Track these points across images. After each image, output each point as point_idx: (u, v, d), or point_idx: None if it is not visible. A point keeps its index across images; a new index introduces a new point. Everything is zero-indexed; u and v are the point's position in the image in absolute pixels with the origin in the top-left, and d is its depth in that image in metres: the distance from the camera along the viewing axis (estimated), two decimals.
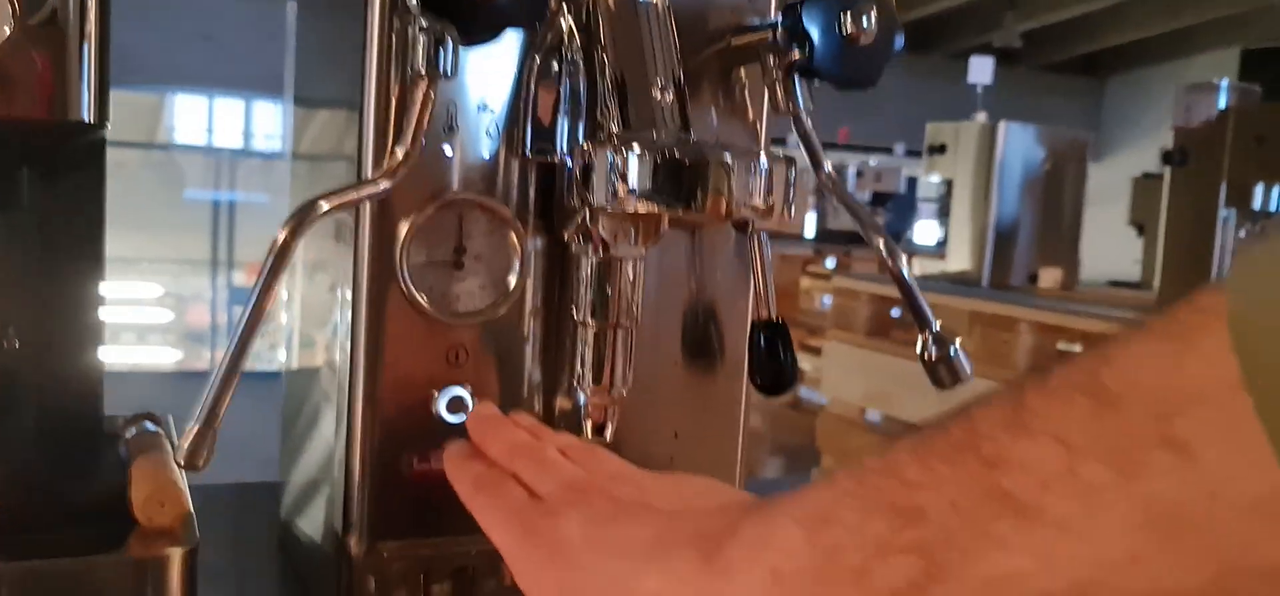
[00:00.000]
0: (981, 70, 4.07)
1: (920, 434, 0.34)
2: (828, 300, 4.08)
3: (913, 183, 6.90)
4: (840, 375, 3.47)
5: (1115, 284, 3.85)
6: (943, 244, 3.89)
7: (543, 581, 0.43)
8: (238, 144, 6.86)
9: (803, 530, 0.35)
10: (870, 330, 3.39)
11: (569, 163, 0.52)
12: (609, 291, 0.53)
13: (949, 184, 3.63)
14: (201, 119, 6.75)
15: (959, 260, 3.55)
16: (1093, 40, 7.90)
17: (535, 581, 0.43)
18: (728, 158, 0.47)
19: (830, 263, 5.46)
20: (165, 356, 6.65)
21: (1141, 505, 0.27)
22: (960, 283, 3.41)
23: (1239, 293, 0.27)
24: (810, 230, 6.66)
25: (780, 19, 0.57)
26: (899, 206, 6.65)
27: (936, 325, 0.59)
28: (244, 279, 6.78)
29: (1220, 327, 0.26)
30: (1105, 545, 0.28)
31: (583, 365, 0.54)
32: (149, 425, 0.61)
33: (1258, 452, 0.25)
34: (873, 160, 7.34)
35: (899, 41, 0.56)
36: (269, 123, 6.79)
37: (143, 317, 6.60)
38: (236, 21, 5.85)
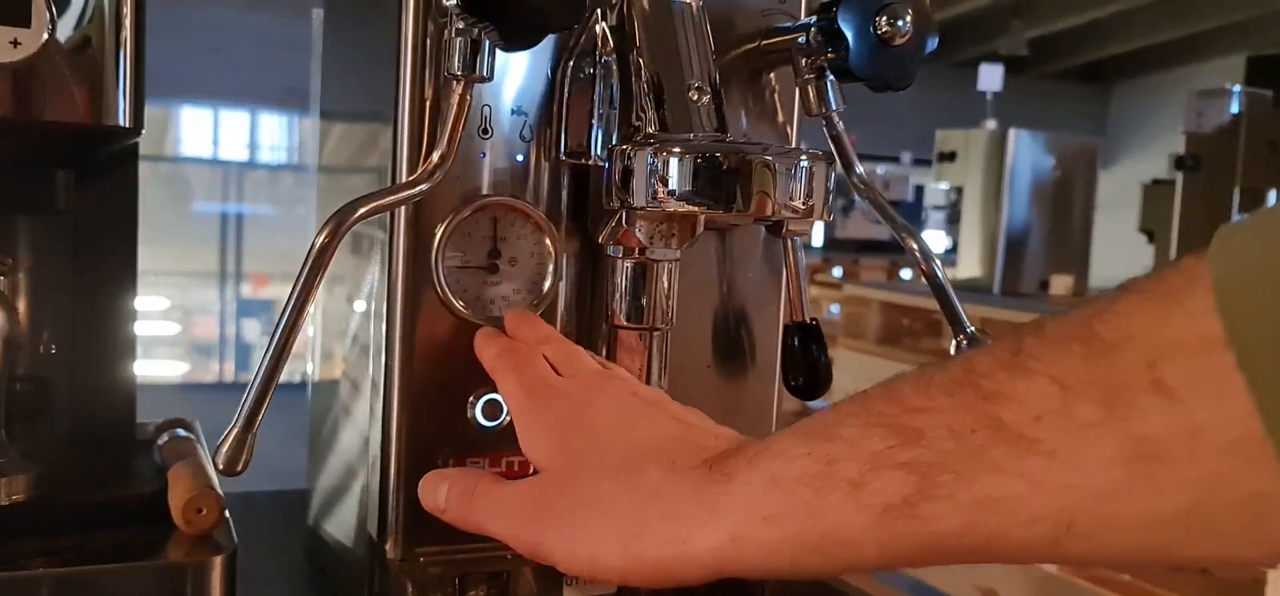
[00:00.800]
0: (991, 78, 4.08)
1: (921, 369, 0.36)
2: (836, 309, 4.08)
3: (920, 191, 6.90)
4: (851, 384, 3.45)
5: None
6: (951, 251, 3.88)
7: (550, 443, 0.44)
8: (245, 156, 6.87)
9: (803, 441, 0.37)
10: (881, 338, 3.39)
11: (605, 165, 0.52)
12: (644, 295, 0.53)
13: (959, 191, 3.63)
14: (209, 131, 6.76)
15: (969, 267, 3.55)
16: (1099, 47, 7.90)
17: (543, 442, 0.44)
18: (771, 158, 0.47)
19: (837, 272, 5.45)
20: (172, 369, 6.66)
21: (1129, 441, 0.30)
22: (971, 290, 3.40)
23: (1221, 262, 0.30)
24: (818, 239, 6.65)
25: (814, 20, 0.56)
26: (906, 215, 6.63)
27: (970, 327, 0.59)
28: (252, 291, 6.79)
29: (1205, 291, 0.30)
30: (1093, 475, 0.31)
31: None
32: (181, 431, 0.61)
33: (1239, 400, 0.29)
34: (880, 169, 7.34)
35: (933, 43, 0.56)
36: (276, 135, 6.81)
37: (150, 330, 6.60)
38: (244, 34, 5.87)
